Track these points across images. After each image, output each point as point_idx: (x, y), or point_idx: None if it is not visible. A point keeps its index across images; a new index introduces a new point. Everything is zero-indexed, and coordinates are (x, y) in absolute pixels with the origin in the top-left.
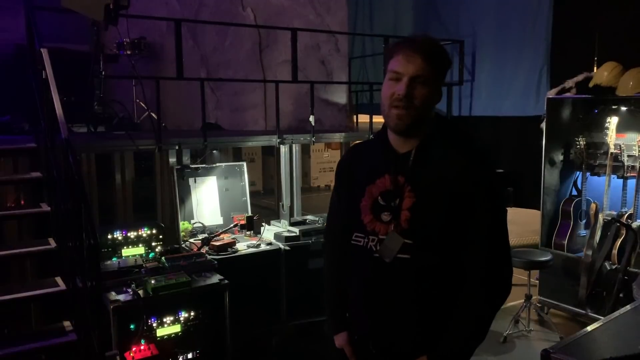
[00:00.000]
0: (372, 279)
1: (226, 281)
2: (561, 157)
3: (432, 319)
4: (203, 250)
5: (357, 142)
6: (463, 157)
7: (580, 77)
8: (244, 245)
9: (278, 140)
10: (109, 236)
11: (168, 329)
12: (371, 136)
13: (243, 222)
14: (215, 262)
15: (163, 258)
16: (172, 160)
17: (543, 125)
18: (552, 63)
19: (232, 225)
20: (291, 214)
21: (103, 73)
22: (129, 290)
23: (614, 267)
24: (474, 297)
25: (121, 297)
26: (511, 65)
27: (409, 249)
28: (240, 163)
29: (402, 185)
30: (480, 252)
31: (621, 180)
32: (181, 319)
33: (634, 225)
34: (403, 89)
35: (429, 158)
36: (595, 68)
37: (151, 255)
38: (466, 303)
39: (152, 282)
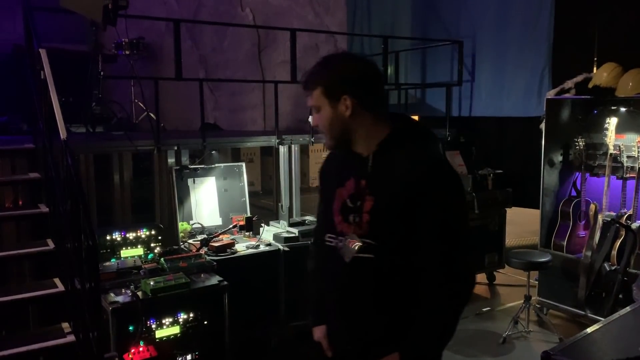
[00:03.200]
0: (341, 278)
1: (225, 282)
2: (560, 158)
3: (398, 316)
4: (202, 251)
5: None
6: (419, 160)
7: (579, 78)
8: (243, 246)
9: (277, 141)
10: (108, 237)
11: (167, 330)
12: None
13: (242, 222)
14: (214, 263)
15: (162, 259)
16: (171, 160)
17: (542, 125)
18: (554, 64)
19: (231, 226)
20: (290, 215)
21: (102, 73)
22: (128, 291)
23: (613, 268)
24: (432, 300)
25: (120, 299)
26: (512, 66)
27: (372, 249)
28: (239, 163)
29: (364, 188)
30: (434, 255)
31: (620, 181)
32: (180, 320)
33: (634, 226)
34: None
35: (387, 161)
36: (594, 69)
37: (150, 256)
38: (426, 306)
39: (151, 283)
